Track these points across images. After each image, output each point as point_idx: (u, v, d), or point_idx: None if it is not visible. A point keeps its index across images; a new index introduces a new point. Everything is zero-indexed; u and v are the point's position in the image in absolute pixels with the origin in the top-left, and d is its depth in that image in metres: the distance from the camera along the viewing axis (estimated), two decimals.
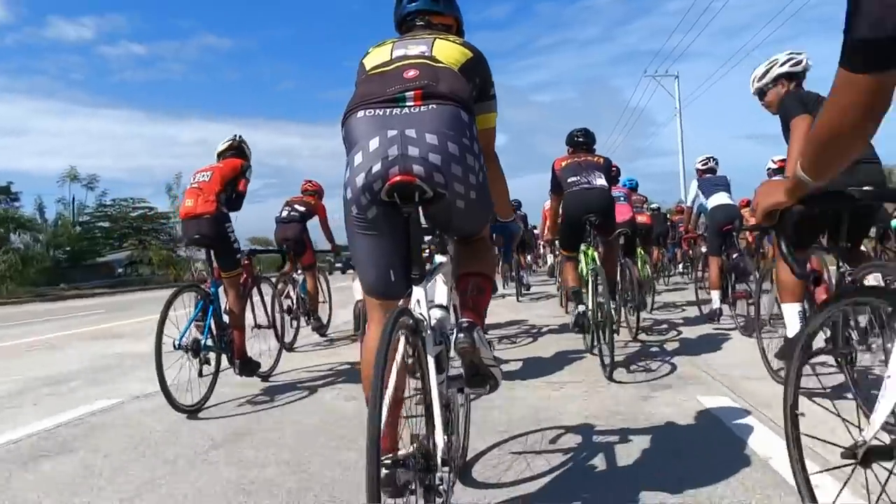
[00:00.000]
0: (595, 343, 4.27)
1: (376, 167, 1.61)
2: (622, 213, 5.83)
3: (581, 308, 4.37)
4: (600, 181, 4.52)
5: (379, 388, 1.33)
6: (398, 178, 1.59)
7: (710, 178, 6.26)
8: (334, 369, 4.62)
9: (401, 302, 1.70)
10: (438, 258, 1.89)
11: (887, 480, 1.29)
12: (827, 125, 1.08)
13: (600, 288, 4.12)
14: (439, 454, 1.48)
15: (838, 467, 1.33)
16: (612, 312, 4.02)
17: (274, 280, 5.39)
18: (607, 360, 3.76)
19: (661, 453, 2.45)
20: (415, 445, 1.50)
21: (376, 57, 1.87)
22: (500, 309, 7.83)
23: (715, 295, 5.96)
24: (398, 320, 1.47)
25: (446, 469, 1.48)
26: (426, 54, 1.80)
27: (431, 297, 2.06)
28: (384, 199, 1.64)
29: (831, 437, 1.38)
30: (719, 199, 5.89)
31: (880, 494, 1.37)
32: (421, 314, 1.63)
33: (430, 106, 1.66)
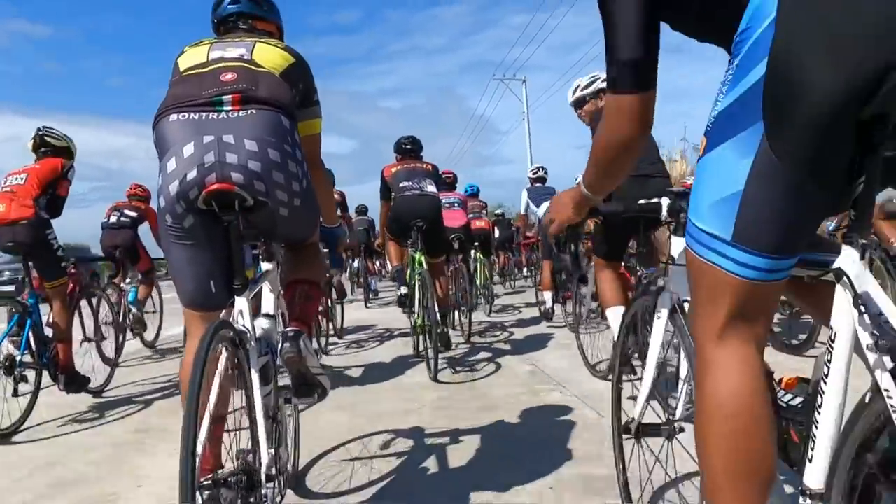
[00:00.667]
0: (422, 347, 4.29)
1: (191, 174, 1.49)
2: (456, 218, 5.92)
3: (403, 290, 4.50)
4: (431, 188, 4.58)
5: (194, 405, 1.22)
6: (216, 187, 1.49)
7: (540, 188, 6.61)
8: (170, 381, 4.29)
9: (222, 314, 1.61)
10: (264, 266, 1.81)
11: (659, 453, 1.53)
12: (603, 144, 1.16)
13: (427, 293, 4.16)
14: (263, 470, 1.40)
15: (618, 440, 1.70)
16: (438, 317, 4.09)
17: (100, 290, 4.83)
18: (433, 363, 3.82)
19: (488, 452, 2.51)
20: (237, 462, 1.42)
21: (192, 57, 1.73)
22: (351, 314, 7.66)
23: (547, 296, 6.22)
24: (216, 333, 1.36)
25: (270, 485, 1.41)
26: (245, 57, 1.70)
27: (258, 307, 1.99)
28: (201, 208, 1.53)
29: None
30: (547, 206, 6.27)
31: (653, 466, 1.61)
32: (244, 325, 1.54)
33: (250, 111, 1.57)
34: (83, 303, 4.13)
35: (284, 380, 1.80)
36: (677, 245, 1.66)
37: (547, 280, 6.13)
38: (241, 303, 1.60)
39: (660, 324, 1.60)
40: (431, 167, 4.78)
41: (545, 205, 6.29)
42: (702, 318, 1.03)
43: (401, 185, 4.57)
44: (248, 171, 1.52)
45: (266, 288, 1.92)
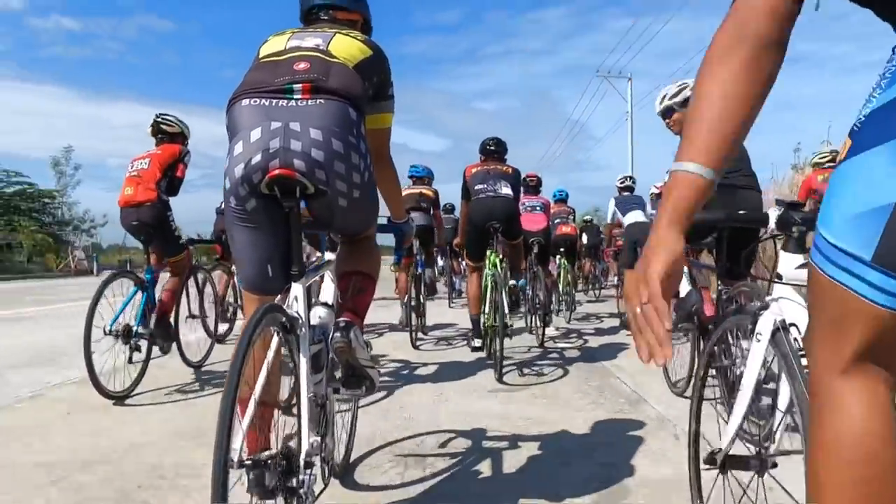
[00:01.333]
0: (492, 348, 4.16)
1: (256, 158, 1.49)
2: (536, 222, 5.83)
3: (477, 342, 4.50)
4: (506, 190, 4.47)
5: (234, 385, 1.20)
6: (278, 172, 1.48)
7: (628, 197, 6.42)
8: None
9: (277, 298, 1.61)
10: (328, 255, 1.80)
11: (747, 485, 1.33)
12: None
13: (503, 295, 4.04)
14: (303, 456, 1.37)
15: (701, 472, 1.43)
16: (507, 316, 3.98)
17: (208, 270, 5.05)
18: (499, 364, 3.74)
19: (545, 458, 2.39)
20: (279, 446, 1.40)
21: (272, 45, 1.74)
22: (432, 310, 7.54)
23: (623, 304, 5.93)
24: (265, 316, 1.34)
25: (309, 472, 1.38)
26: (321, 48, 1.68)
27: (317, 295, 1.99)
28: (264, 192, 1.52)
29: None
30: (634, 216, 6.01)
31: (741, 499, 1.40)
32: (297, 312, 1.53)
33: (318, 100, 1.55)
34: (190, 281, 4.33)
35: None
36: (787, 262, 1.50)
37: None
38: (297, 289, 1.58)
39: (759, 347, 1.40)
40: (511, 170, 4.67)
41: (631, 214, 6.09)
42: (824, 346, 0.86)
43: (476, 187, 4.52)
44: (311, 159, 1.50)
45: (328, 277, 1.93)
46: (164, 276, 4.00)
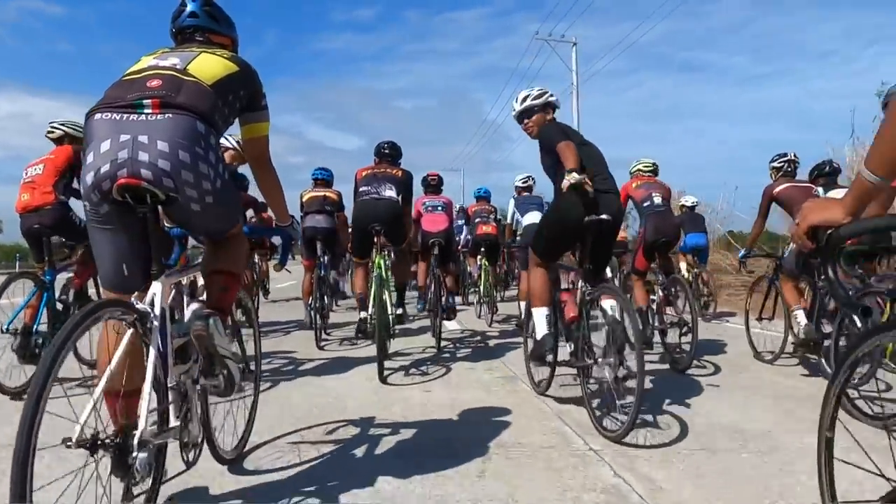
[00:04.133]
0: (384, 349, 4.03)
1: (105, 168, 1.55)
2: (437, 222, 5.64)
3: (363, 314, 4.36)
4: (389, 192, 4.35)
5: (43, 377, 1.24)
6: (125, 181, 1.54)
7: (527, 197, 6.10)
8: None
9: (135, 295, 1.64)
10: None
11: None
12: None
13: (386, 296, 4.10)
14: (137, 436, 1.44)
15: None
16: (390, 319, 4.04)
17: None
18: (378, 365, 3.71)
19: (422, 444, 2.53)
20: (114, 428, 1.46)
21: (138, 64, 1.80)
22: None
23: (523, 306, 5.61)
24: (98, 309, 1.43)
25: (143, 451, 1.44)
26: (178, 67, 1.75)
27: (200, 294, 2.04)
28: (116, 199, 1.58)
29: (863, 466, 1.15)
30: (532, 217, 5.70)
31: None
32: (149, 307, 1.58)
33: (167, 115, 1.61)
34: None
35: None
36: None
37: (522, 291, 5.32)
38: (156, 286, 1.64)
39: None
40: (402, 173, 4.55)
41: (530, 215, 5.75)
42: None
43: (361, 188, 4.45)
44: (158, 168, 1.56)
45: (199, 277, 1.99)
46: (62, 278, 3.91)
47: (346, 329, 6.17)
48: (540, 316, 3.08)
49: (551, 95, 3.31)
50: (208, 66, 1.80)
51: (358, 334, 4.46)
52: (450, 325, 6.22)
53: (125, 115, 1.60)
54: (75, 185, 3.81)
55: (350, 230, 4.68)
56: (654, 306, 4.59)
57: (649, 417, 2.86)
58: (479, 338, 5.78)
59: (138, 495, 1.54)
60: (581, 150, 3.02)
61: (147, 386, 1.50)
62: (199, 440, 1.86)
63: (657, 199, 4.66)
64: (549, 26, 21.26)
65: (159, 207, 1.67)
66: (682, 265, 8.18)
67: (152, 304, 1.61)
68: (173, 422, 1.66)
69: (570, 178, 2.77)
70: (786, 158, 4.65)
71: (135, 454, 1.43)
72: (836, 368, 1.23)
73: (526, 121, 3.30)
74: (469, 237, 8.01)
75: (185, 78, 1.72)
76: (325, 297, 5.69)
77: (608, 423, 2.63)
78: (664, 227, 4.57)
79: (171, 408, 1.66)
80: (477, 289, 7.58)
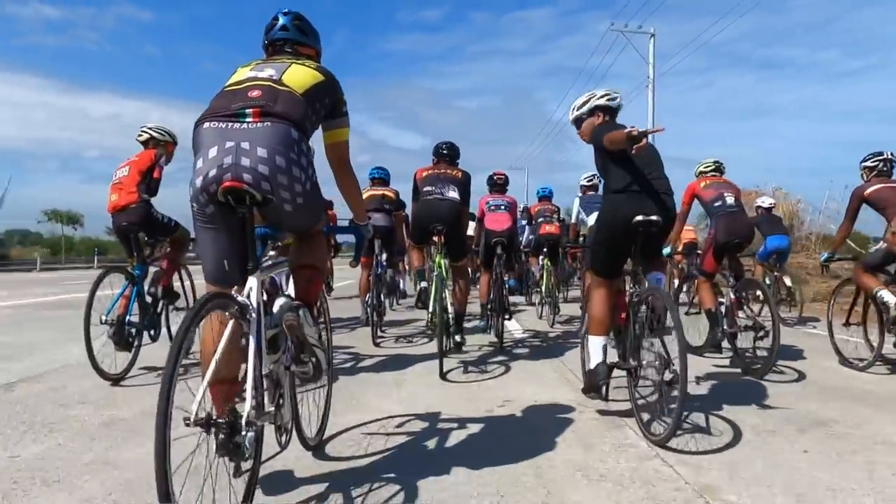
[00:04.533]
0: (446, 346, 4.16)
1: (212, 172, 1.72)
2: (500, 221, 5.66)
3: (423, 284, 4.45)
4: (452, 193, 4.47)
5: (174, 359, 1.42)
6: (229, 184, 1.70)
7: (593, 196, 5.86)
8: None
9: (235, 290, 1.79)
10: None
11: None
12: None
13: (446, 295, 4.17)
14: (244, 418, 1.59)
15: None
16: (450, 319, 4.14)
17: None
18: (439, 363, 3.86)
19: (482, 437, 2.63)
20: (226, 411, 1.61)
21: (236, 76, 1.97)
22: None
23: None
24: (208, 303, 1.59)
25: (250, 431, 1.59)
26: (274, 78, 1.91)
27: (286, 289, 2.19)
28: (220, 200, 1.75)
29: None
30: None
31: None
32: (247, 301, 1.73)
33: (266, 123, 1.77)
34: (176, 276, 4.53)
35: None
36: None
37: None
38: (252, 281, 1.80)
39: None
40: (461, 174, 4.65)
41: (595, 214, 5.83)
42: None
43: (424, 189, 4.54)
44: (258, 173, 1.72)
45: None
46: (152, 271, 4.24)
47: (404, 327, 6.39)
48: (595, 345, 2.97)
49: (602, 97, 3.23)
50: (299, 76, 1.96)
51: (418, 304, 4.56)
52: (510, 325, 6.26)
53: (230, 124, 1.77)
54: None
55: (410, 228, 4.77)
56: (724, 309, 4.43)
57: (702, 422, 2.84)
58: (539, 339, 5.80)
59: (244, 472, 1.69)
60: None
61: (251, 372, 1.65)
62: (290, 425, 2.01)
63: (729, 199, 4.48)
64: (619, 24, 20.41)
65: (254, 208, 1.82)
66: (759, 270, 7.81)
67: (249, 298, 1.75)
68: (268, 407, 1.80)
69: (631, 131, 2.56)
70: (881, 157, 4.46)
71: (244, 433, 1.58)
72: None
73: (578, 130, 3.30)
74: (532, 237, 7.98)
75: (281, 88, 1.88)
76: (382, 295, 5.86)
77: (656, 426, 2.61)
78: (737, 228, 4.40)
79: (265, 394, 1.80)
80: (539, 289, 7.51)
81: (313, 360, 1.96)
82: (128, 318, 3.86)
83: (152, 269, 4.27)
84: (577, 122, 3.29)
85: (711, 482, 2.10)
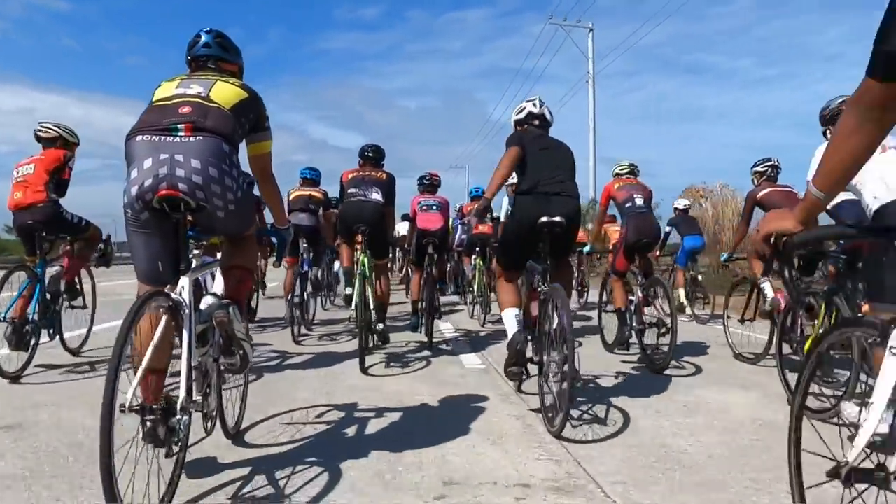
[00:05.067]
0: (365, 343, 4.47)
1: (148, 181, 1.97)
2: (432, 221, 6.04)
3: (349, 290, 4.80)
4: (376, 195, 4.85)
5: (118, 354, 1.69)
6: (165, 192, 1.97)
7: None
8: None
9: (167, 288, 2.05)
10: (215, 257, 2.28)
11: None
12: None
13: (368, 293, 4.55)
14: (179, 403, 1.87)
15: (820, 484, 1.35)
16: (372, 316, 4.58)
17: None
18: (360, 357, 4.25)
19: (400, 422, 3.00)
20: (161, 397, 1.89)
21: (163, 91, 2.22)
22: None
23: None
24: (148, 300, 1.86)
25: (184, 416, 1.88)
26: (202, 94, 2.17)
27: (211, 287, 2.47)
28: (155, 207, 2.00)
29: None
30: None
31: None
32: (182, 298, 2.00)
33: (198, 137, 2.04)
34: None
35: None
36: None
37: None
38: (184, 280, 2.07)
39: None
40: (385, 176, 5.06)
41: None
42: None
43: (349, 191, 4.93)
44: (192, 182, 1.99)
45: (218, 273, 2.43)
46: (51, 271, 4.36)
47: (332, 326, 6.69)
48: (509, 316, 3.46)
49: (536, 105, 3.75)
50: (226, 93, 2.24)
51: (345, 303, 4.98)
52: (441, 325, 6.66)
53: (163, 137, 2.03)
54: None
55: (336, 227, 5.11)
56: (633, 307, 4.92)
57: (602, 413, 3.23)
58: (468, 337, 6.22)
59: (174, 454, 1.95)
60: (538, 154, 3.47)
61: (185, 363, 1.92)
62: (215, 413, 2.29)
63: (639, 201, 4.98)
64: (553, 26, 21.22)
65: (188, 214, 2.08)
66: (679, 277, 8.38)
67: (182, 296, 2.02)
68: (196, 395, 2.07)
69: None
70: (770, 163, 5.10)
71: (178, 417, 1.86)
72: (804, 360, 1.53)
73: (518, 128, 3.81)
74: (464, 236, 8.39)
75: (210, 104, 2.15)
76: (307, 294, 6.15)
77: (559, 420, 2.85)
78: (646, 229, 4.89)
79: (194, 384, 2.07)
80: (471, 288, 7.93)
81: (241, 352, 2.25)
82: (29, 316, 3.99)
83: (51, 269, 4.37)
84: (513, 127, 3.82)
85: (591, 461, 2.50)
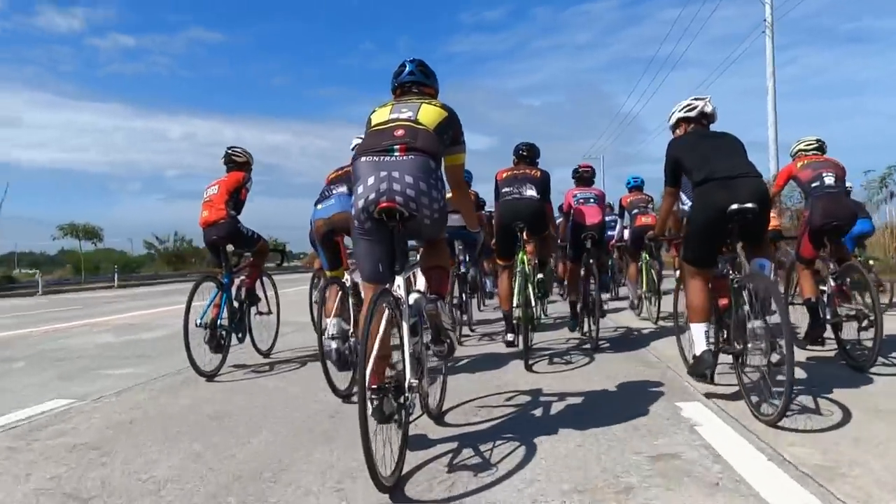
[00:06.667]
0: (528, 341, 5.13)
1: (371, 195, 2.79)
2: (592, 215, 6.56)
3: (510, 337, 5.55)
4: (530, 192, 5.54)
5: (365, 342, 2.49)
6: (385, 204, 2.78)
7: None
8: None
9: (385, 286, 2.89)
10: (419, 258, 3.15)
11: None
12: None
13: (529, 290, 5.27)
14: (406, 383, 2.65)
15: None
16: (535, 308, 5.23)
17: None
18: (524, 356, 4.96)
19: (567, 414, 3.71)
20: (392, 376, 2.71)
21: (379, 116, 3.08)
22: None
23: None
24: (380, 297, 2.65)
25: (410, 394, 2.67)
26: (412, 118, 2.99)
27: (414, 285, 3.33)
28: (376, 217, 2.82)
29: None
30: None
31: None
32: (400, 295, 2.83)
33: (410, 156, 2.85)
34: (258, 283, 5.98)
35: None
36: None
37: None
38: (399, 280, 2.89)
39: None
40: (539, 173, 5.74)
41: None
42: None
43: (503, 190, 5.65)
44: (406, 195, 2.79)
45: (418, 272, 3.27)
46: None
47: (492, 325, 7.66)
48: (699, 332, 3.77)
49: (709, 105, 4.20)
50: (430, 114, 3.05)
51: (507, 333, 5.70)
52: (605, 322, 7.20)
53: (382, 157, 2.87)
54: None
55: (495, 229, 5.85)
56: (826, 298, 5.07)
57: (810, 404, 3.60)
58: (636, 334, 6.94)
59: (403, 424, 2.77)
60: (704, 143, 3.92)
61: (406, 349, 2.72)
62: (427, 394, 3.13)
63: (828, 179, 5.05)
64: (677, 8, 20.89)
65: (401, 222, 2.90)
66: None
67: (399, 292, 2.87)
68: (413, 379, 2.84)
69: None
70: None
71: (407, 394, 2.66)
72: None
73: (676, 131, 4.32)
74: (626, 230, 8.92)
75: (419, 126, 2.96)
76: (465, 295, 7.08)
77: (765, 407, 3.32)
78: (836, 210, 4.96)
79: (410, 369, 2.86)
80: (640, 285, 8.47)
81: (447, 341, 3.07)
82: (219, 321, 5.22)
83: (237, 279, 5.67)
84: (677, 124, 4.30)
85: (824, 462, 2.73)
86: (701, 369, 3.73)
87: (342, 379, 4.10)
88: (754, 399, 3.46)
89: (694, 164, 3.86)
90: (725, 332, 3.84)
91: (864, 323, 4.79)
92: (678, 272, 5.15)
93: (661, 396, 4.02)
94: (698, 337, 3.77)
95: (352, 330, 4.07)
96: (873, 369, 4.56)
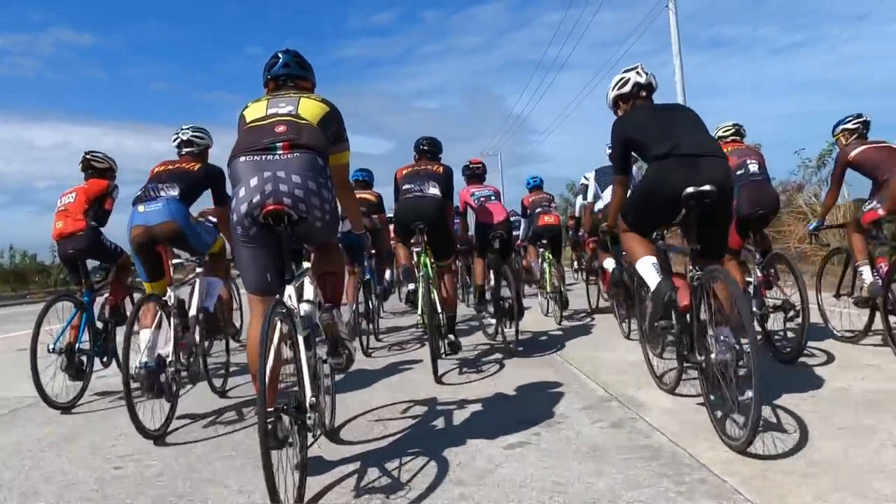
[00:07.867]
0: (436, 351, 5.35)
1: (255, 198, 2.81)
2: (496, 213, 6.73)
3: (411, 286, 5.77)
4: (433, 190, 5.65)
5: (263, 361, 2.52)
6: (272, 207, 2.81)
7: (610, 168, 5.65)
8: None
9: (276, 297, 2.92)
10: (305, 264, 3.22)
11: None
12: None
13: (434, 296, 5.51)
14: (307, 401, 2.69)
15: None
16: (441, 320, 5.53)
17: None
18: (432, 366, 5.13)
19: (477, 420, 3.92)
20: (291, 396, 2.73)
21: (254, 112, 3.09)
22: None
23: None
24: (274, 310, 2.69)
25: (314, 413, 2.71)
26: (293, 113, 3.03)
27: (301, 294, 3.42)
28: (261, 222, 2.84)
29: None
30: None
31: None
32: (292, 305, 2.89)
33: (295, 154, 2.89)
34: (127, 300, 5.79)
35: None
36: None
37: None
38: (289, 289, 2.95)
39: None
40: (443, 169, 5.88)
41: (609, 191, 5.98)
42: None
43: (404, 187, 5.76)
44: (294, 196, 2.83)
45: (307, 281, 3.29)
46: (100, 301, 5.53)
47: (399, 333, 7.98)
48: (646, 265, 3.75)
49: (642, 74, 4.11)
50: (311, 108, 3.10)
51: (408, 304, 6.01)
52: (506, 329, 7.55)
53: (263, 157, 2.89)
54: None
55: (393, 229, 6.01)
56: (752, 289, 5.35)
57: (772, 419, 3.51)
58: (545, 337, 7.30)
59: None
60: (660, 115, 3.86)
61: (303, 363, 2.77)
62: (325, 411, 3.22)
63: (752, 167, 5.41)
64: (561, 12, 22.17)
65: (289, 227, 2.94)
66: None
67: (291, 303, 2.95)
68: (312, 397, 2.83)
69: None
70: (861, 119, 5.65)
71: (309, 414, 2.70)
72: None
73: (617, 110, 4.27)
74: (528, 230, 9.35)
75: (301, 121, 3.01)
76: (371, 302, 7.22)
77: (730, 427, 3.18)
78: (762, 198, 5.33)
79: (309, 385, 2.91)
80: (542, 284, 8.90)
81: (346, 352, 3.16)
82: (78, 345, 5.09)
83: (100, 298, 5.52)
84: (615, 102, 4.24)
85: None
86: (660, 300, 3.60)
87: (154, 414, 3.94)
88: (719, 415, 3.34)
89: (652, 138, 3.73)
90: (687, 339, 3.65)
91: (791, 313, 5.13)
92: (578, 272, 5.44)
93: (568, 398, 4.36)
94: (647, 271, 3.77)
95: (171, 357, 4.04)
96: (800, 359, 4.96)
